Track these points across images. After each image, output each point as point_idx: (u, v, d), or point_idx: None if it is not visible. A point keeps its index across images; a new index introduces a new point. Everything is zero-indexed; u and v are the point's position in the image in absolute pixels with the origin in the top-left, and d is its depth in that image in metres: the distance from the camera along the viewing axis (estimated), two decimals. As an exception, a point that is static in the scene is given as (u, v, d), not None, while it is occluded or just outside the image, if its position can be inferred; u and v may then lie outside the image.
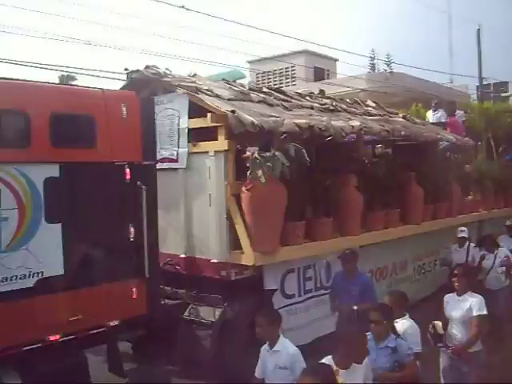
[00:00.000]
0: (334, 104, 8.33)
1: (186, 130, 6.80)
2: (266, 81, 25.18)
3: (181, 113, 6.86)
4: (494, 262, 7.89)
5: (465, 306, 5.53)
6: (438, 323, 5.59)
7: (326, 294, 7.16)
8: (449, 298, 5.82)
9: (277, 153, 5.95)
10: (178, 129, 6.89)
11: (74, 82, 12.40)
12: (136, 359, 6.72)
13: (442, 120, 11.61)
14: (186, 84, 6.65)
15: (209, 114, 6.30)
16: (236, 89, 7.19)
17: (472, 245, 8.80)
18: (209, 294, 6.63)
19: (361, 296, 5.93)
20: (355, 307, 5.77)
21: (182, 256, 6.92)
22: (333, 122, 6.93)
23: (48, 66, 10.57)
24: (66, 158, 5.06)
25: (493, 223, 11.17)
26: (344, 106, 8.58)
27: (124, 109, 5.54)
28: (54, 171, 4.99)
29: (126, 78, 7.29)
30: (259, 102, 7.09)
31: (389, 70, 27.65)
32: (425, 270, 9.89)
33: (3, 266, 4.63)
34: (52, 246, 4.96)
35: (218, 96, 6.64)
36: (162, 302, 6.60)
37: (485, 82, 27.58)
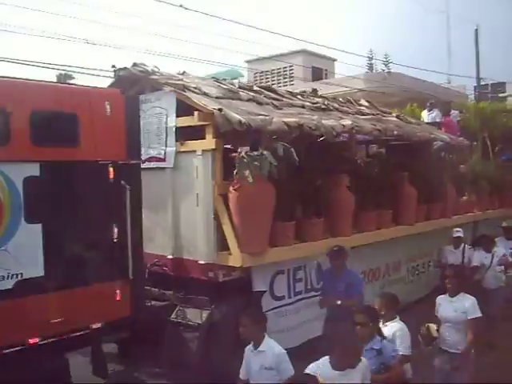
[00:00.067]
0: (325, 103, 8.22)
1: (174, 129, 6.69)
2: (263, 80, 25.10)
3: (168, 111, 6.75)
4: (491, 261, 7.80)
5: (457, 308, 5.47)
6: (433, 325, 5.51)
7: (316, 295, 7.06)
8: (441, 299, 5.77)
9: (265, 152, 5.84)
10: (166, 127, 6.78)
11: (72, 81, 12.34)
12: (122, 361, 6.62)
13: (437, 120, 11.51)
14: (173, 82, 6.53)
15: (196, 113, 6.19)
16: (225, 87, 7.08)
17: (468, 246, 8.72)
18: (196, 296, 6.52)
19: (346, 292, 5.88)
20: (339, 302, 5.78)
21: (170, 257, 6.81)
22: (323, 121, 6.82)
23: (47, 65, 10.48)
24: (47, 156, 4.94)
25: (488, 224, 11.07)
26: (336, 105, 8.46)
27: (108, 107, 5.43)
28: (34, 170, 4.88)
29: (113, 76, 7.17)
30: (248, 100, 6.98)
31: (386, 70, 27.53)
32: (418, 272, 9.79)
33: (-19, 267, 4.52)
34: (32, 246, 4.84)
35: (205, 94, 6.53)
36: (149, 304, 6.49)
37: (482, 83, 27.57)
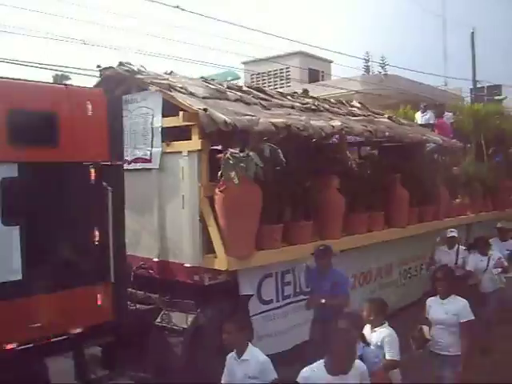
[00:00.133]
0: (316, 104, 8.10)
1: (160, 129, 6.57)
2: (260, 82, 25.09)
3: (155, 111, 6.63)
4: (487, 264, 7.70)
5: (449, 310, 5.42)
6: (426, 328, 5.43)
7: (305, 299, 6.93)
8: (431, 301, 5.73)
9: (251, 153, 5.72)
10: (152, 128, 6.66)
11: (68, 82, 12.21)
12: (106, 366, 6.47)
13: (431, 122, 11.41)
14: (158, 81, 6.41)
15: (181, 113, 6.07)
16: (212, 87, 6.95)
17: (462, 247, 8.62)
18: (182, 300, 6.39)
19: (332, 291, 5.82)
20: (323, 301, 5.74)
21: (156, 260, 6.68)
22: (312, 122, 6.70)
23: (45, 66, 10.36)
24: (25, 157, 4.79)
25: (481, 226, 10.99)
26: (327, 106, 8.35)
27: (89, 106, 5.28)
28: (11, 171, 4.72)
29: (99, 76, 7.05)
30: (236, 100, 6.85)
31: (383, 73, 27.46)
32: (411, 275, 9.69)
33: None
34: (9, 249, 4.70)
35: (191, 94, 6.41)
36: (134, 308, 6.37)
37: (479, 85, 27.56)
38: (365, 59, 30.41)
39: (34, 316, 4.82)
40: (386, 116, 9.61)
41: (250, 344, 4.54)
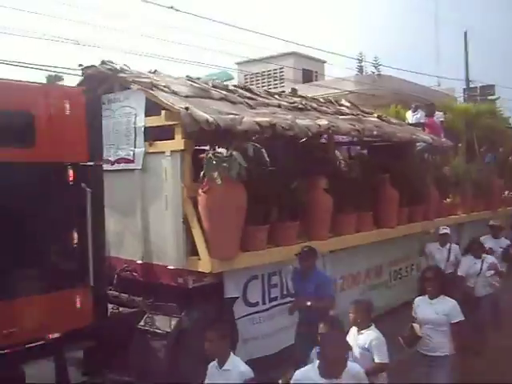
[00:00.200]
0: (303, 103, 7.98)
1: (143, 129, 6.45)
2: (254, 82, 25.02)
3: (137, 110, 6.50)
4: (481, 268, 7.55)
5: (438, 310, 5.35)
6: (416, 325, 5.35)
7: (292, 301, 6.81)
8: (420, 300, 5.65)
9: (234, 153, 5.60)
10: (135, 127, 6.53)
11: (60, 82, 12.03)
12: (88, 370, 6.34)
13: (422, 121, 11.31)
14: (141, 80, 6.28)
15: (163, 112, 5.95)
16: (196, 86, 6.83)
17: (454, 245, 8.54)
18: (166, 303, 6.26)
19: (316, 293, 5.70)
20: (309, 303, 5.61)
21: (139, 262, 6.55)
22: (298, 121, 6.59)
23: (36, 67, 10.19)
24: (-1, 157, 4.68)
25: (473, 226, 10.91)
26: (314, 105, 8.24)
27: (67, 106, 5.17)
28: (-16, 172, 4.61)
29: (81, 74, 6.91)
30: (220, 99, 6.73)
31: (376, 73, 27.44)
32: (401, 276, 9.56)
33: None
34: (-19, 252, 4.58)
35: (174, 93, 6.28)
36: (117, 311, 6.25)
37: (472, 85, 27.57)
38: (358, 59, 30.42)
39: (9, 321, 4.70)
40: (376, 115, 9.50)
41: (232, 353, 4.46)
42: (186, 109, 5.62)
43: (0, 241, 4.65)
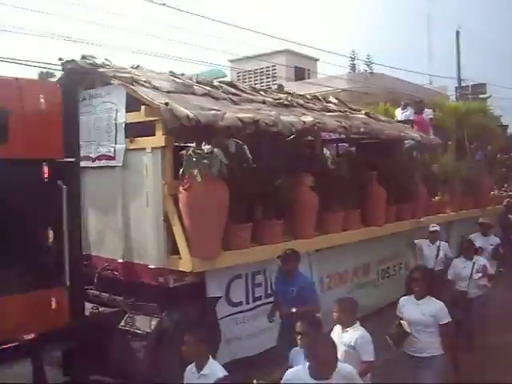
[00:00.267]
0: (289, 99, 7.86)
1: (124, 125, 6.30)
2: (246, 80, 24.95)
3: (118, 106, 6.36)
4: (472, 271, 7.37)
5: (425, 311, 5.27)
6: (404, 322, 5.26)
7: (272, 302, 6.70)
8: (405, 300, 5.56)
9: (215, 149, 5.47)
10: (116, 124, 6.39)
11: (53, 79, 11.87)
12: (67, 371, 6.20)
13: (411, 118, 11.22)
14: (121, 75, 6.13)
15: (142, 107, 5.81)
16: (179, 81, 6.69)
17: (443, 243, 8.44)
18: (147, 302, 6.13)
19: (299, 297, 5.56)
20: (294, 310, 5.46)
21: (120, 261, 6.42)
22: (282, 117, 6.46)
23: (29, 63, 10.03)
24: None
25: (462, 224, 10.85)
26: (301, 102, 8.11)
27: (42, 100, 5.03)
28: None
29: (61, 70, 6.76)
30: (203, 95, 6.60)
31: (369, 71, 27.49)
32: (389, 274, 9.47)
33: None
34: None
35: (155, 88, 6.15)
36: (97, 311, 6.12)
37: (463, 84, 27.61)
38: (351, 57, 30.42)
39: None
40: (364, 112, 9.39)
41: (210, 358, 4.34)
42: (166, 104, 5.49)
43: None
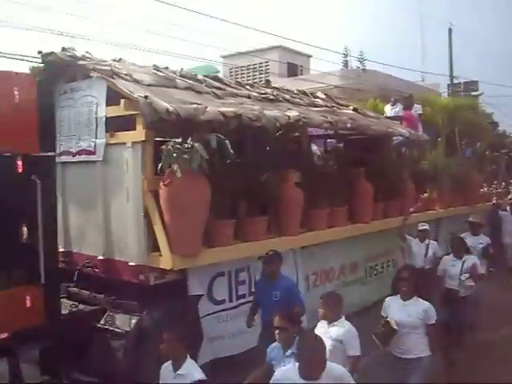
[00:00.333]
0: (274, 94, 7.73)
1: (104, 119, 6.16)
2: (239, 76, 24.86)
3: (99, 100, 6.21)
4: (461, 269, 7.16)
5: (411, 313, 5.21)
6: (391, 320, 5.18)
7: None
8: (391, 300, 5.50)
9: (196, 144, 5.35)
10: (96, 118, 6.24)
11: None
12: (45, 371, 6.07)
13: (400, 114, 11.10)
14: (100, 67, 5.99)
15: (122, 101, 5.68)
16: (161, 74, 6.55)
17: (433, 241, 8.35)
18: (127, 300, 6.01)
19: (282, 302, 5.39)
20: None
21: (101, 257, 6.29)
22: (266, 112, 6.34)
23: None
24: None
25: (451, 221, 10.78)
26: (287, 97, 7.98)
27: (16, 93, 4.89)
28: None
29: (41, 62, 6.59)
30: (186, 88, 6.46)
31: (361, 67, 27.43)
32: (377, 272, 9.39)
33: None
34: None
35: (136, 81, 6.01)
36: (76, 309, 5.99)
37: (456, 81, 27.63)
38: (343, 54, 30.37)
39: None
40: (352, 108, 9.28)
41: (188, 357, 4.25)
42: (146, 97, 5.35)
43: None
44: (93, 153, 6.33)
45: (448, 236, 9.70)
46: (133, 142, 5.85)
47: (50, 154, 5.15)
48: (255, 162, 6.58)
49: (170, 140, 6.28)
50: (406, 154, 9.83)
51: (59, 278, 5.47)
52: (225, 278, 6.52)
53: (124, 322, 5.87)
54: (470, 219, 8.77)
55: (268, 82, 8.78)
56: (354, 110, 9.13)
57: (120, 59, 6.95)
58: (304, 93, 8.99)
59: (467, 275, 7.12)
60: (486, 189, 13.06)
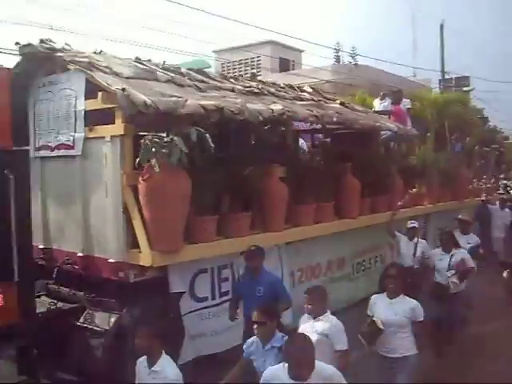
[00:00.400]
0: (259, 87, 7.60)
1: (83, 113, 6.01)
2: (231, 71, 24.76)
3: (78, 93, 6.06)
4: (449, 264, 7.10)
5: (398, 311, 5.16)
6: (377, 319, 5.12)
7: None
8: (377, 298, 5.44)
9: (175, 138, 5.21)
10: (75, 111, 6.08)
11: None
12: (22, 371, 5.94)
13: (389, 108, 10.99)
14: (78, 59, 5.83)
15: (99, 93, 5.53)
16: (141, 67, 6.40)
17: (422, 240, 8.21)
18: (107, 298, 5.88)
19: (266, 296, 5.32)
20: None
21: (80, 254, 6.15)
22: (249, 105, 6.20)
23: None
24: None
25: (440, 217, 10.70)
26: (272, 90, 7.85)
27: (-12, 85, 4.73)
28: None
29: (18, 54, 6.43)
30: (167, 81, 6.32)
31: (353, 62, 27.38)
32: (364, 268, 9.30)
33: None
34: None
35: (115, 73, 5.86)
36: (54, 307, 5.86)
37: (447, 77, 27.64)
38: (335, 49, 30.27)
39: None
40: (339, 102, 9.16)
41: (163, 354, 4.20)
42: (123, 90, 5.20)
43: None
44: (71, 147, 6.18)
45: (437, 232, 9.63)
46: (112, 136, 5.70)
47: (23, 148, 4.99)
48: (238, 156, 6.46)
49: (151, 134, 6.18)
50: (394, 149, 9.71)
51: (34, 275, 5.33)
52: (207, 275, 6.41)
53: (103, 320, 5.75)
54: (460, 217, 8.64)
55: (253, 75, 8.64)
56: (341, 104, 9.01)
57: (101, 51, 6.79)
58: (291, 86, 8.86)
59: (453, 271, 7.04)
60: (475, 184, 12.99)
